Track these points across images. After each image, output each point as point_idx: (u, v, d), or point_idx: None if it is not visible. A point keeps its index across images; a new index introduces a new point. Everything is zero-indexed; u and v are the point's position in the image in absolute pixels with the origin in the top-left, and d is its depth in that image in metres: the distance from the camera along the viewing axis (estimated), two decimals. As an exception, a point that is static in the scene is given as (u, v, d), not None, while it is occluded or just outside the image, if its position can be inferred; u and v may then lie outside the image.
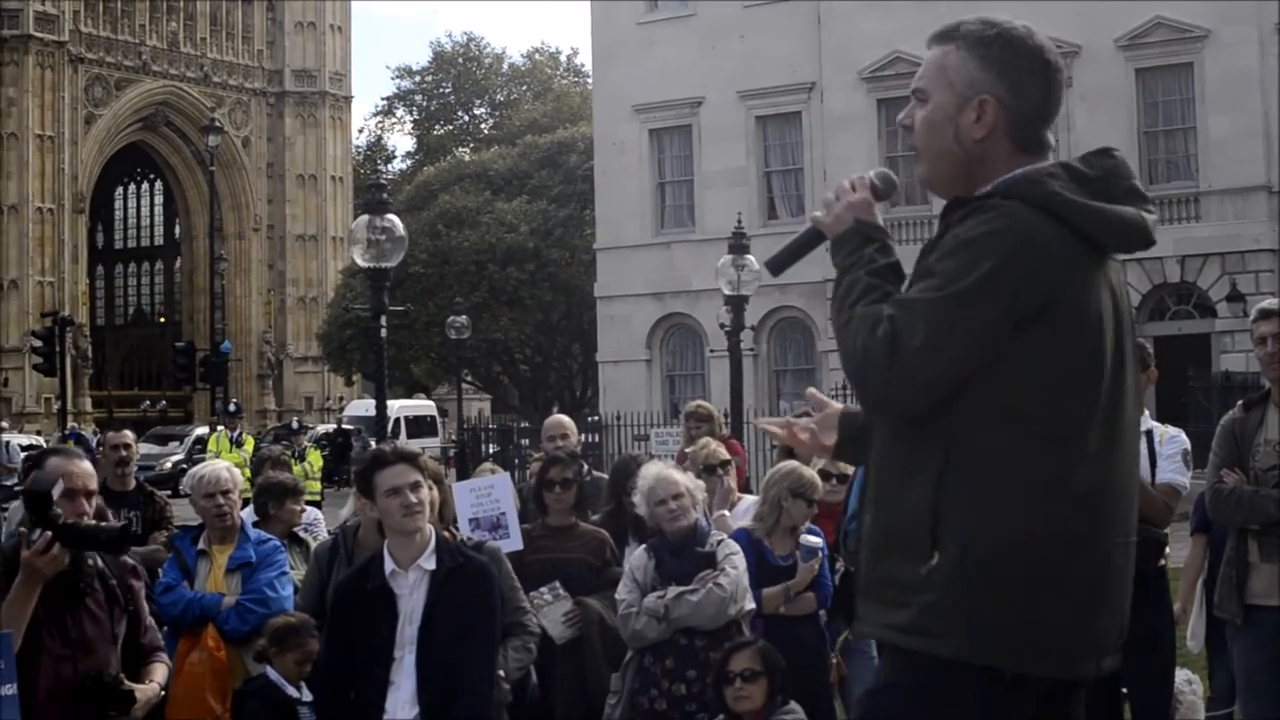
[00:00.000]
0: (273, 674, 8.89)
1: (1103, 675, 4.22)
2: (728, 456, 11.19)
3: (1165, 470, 8.95)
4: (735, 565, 9.03)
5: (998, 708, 4.05)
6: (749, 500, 11.32)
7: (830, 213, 4.36)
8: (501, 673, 8.24)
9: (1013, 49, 4.26)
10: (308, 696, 8.81)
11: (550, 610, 9.50)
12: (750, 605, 9.14)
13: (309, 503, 12.42)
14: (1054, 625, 4.06)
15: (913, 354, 3.97)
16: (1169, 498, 8.91)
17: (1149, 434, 9.01)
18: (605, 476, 11.71)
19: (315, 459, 29.70)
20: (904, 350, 3.97)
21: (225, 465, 10.30)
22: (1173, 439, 9.12)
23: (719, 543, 9.17)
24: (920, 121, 4.32)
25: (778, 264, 4.75)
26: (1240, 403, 8.72)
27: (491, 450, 48.22)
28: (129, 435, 13.28)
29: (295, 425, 41.84)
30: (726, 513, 10.65)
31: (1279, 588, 8.26)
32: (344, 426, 59.51)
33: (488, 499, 10.06)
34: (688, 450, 11.14)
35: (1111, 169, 4.25)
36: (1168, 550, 9.09)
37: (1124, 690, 9.03)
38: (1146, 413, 9.21)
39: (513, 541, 9.69)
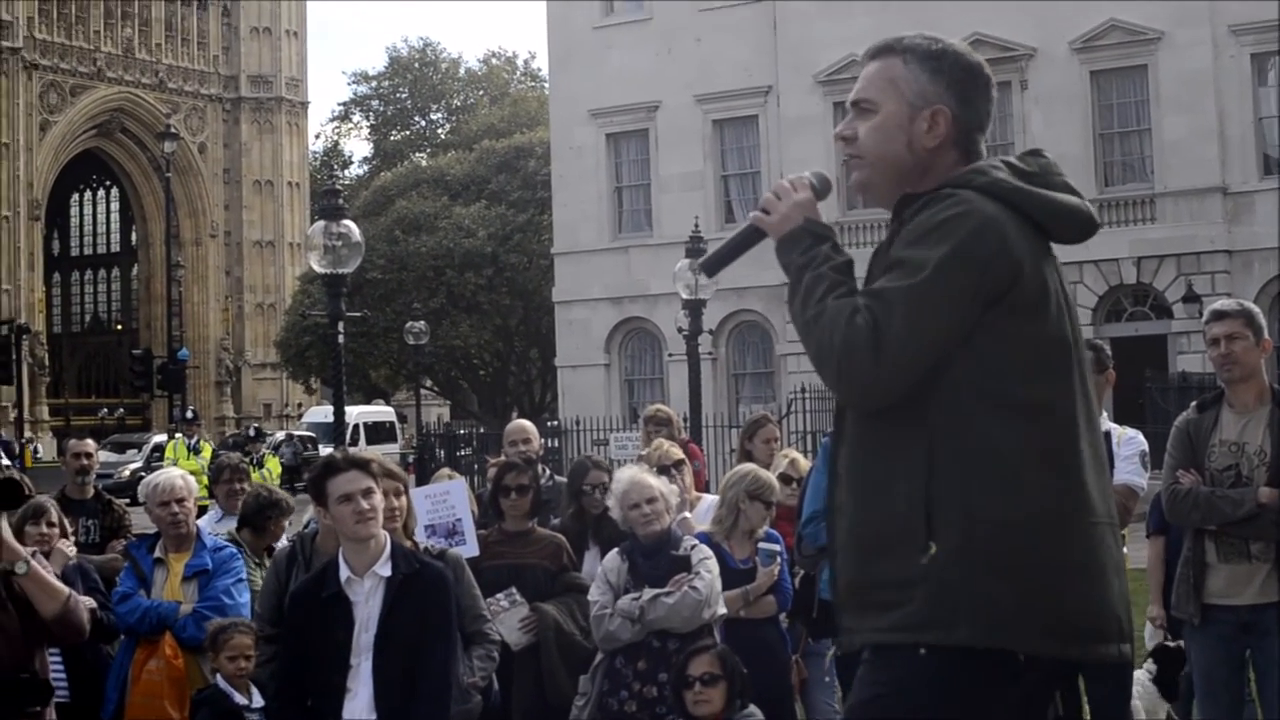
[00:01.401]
0: (222, 683, 8.92)
1: (1124, 660, 4.25)
2: (681, 456, 11.20)
3: (1123, 471, 9.00)
4: (709, 569, 9.04)
5: (1004, 690, 4.08)
6: (709, 500, 11.33)
7: (775, 212, 4.40)
8: (475, 680, 8.24)
9: (960, 64, 4.40)
10: (258, 702, 8.82)
11: (506, 616, 9.50)
12: (722, 610, 9.16)
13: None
14: (1066, 603, 4.10)
15: (895, 341, 4.02)
16: (1126, 499, 8.95)
17: (1107, 435, 9.03)
18: (565, 480, 11.70)
19: (274, 466, 29.63)
20: (886, 338, 4.02)
21: (180, 473, 10.27)
22: (1130, 440, 9.17)
23: (692, 547, 9.18)
24: (869, 130, 4.41)
25: (714, 263, 4.82)
26: (1194, 404, 8.77)
27: (455, 453, 48.17)
28: (91, 444, 13.22)
29: (253, 432, 41.74)
30: (689, 514, 10.66)
31: (1236, 587, 8.31)
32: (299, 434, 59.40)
33: (444, 505, 10.05)
34: (642, 454, 11.14)
35: (1045, 166, 4.41)
36: (1125, 551, 9.11)
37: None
38: (1105, 414, 9.26)
39: (469, 548, 9.68)
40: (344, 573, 7.33)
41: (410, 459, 50.68)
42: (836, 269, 4.23)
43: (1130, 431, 9.22)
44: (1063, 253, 4.41)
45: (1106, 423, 9.15)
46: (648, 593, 8.88)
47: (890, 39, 4.47)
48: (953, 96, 4.36)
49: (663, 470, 10.23)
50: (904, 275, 4.09)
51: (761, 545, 9.79)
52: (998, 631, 4.02)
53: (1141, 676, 10.37)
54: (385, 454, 10.25)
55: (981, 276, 4.07)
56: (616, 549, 9.32)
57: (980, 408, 4.08)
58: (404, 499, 8.41)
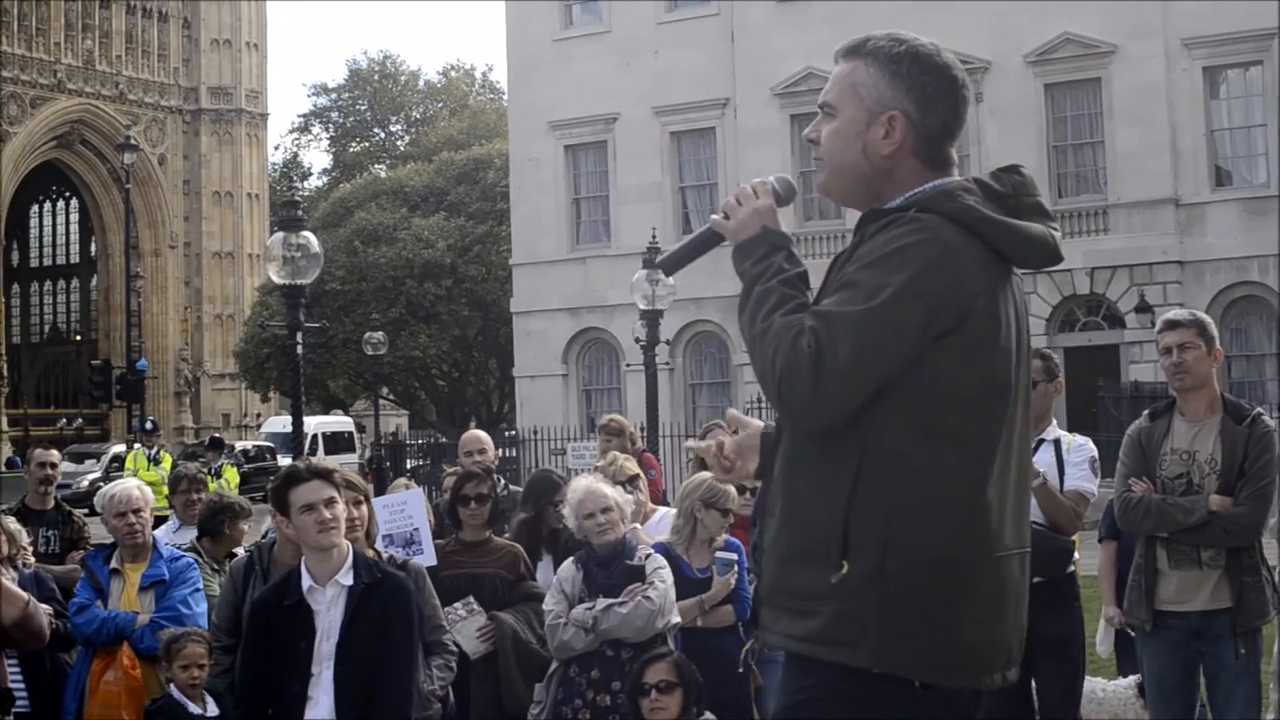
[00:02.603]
0: (176, 693, 8.93)
1: (1007, 685, 4.27)
2: (636, 471, 11.21)
3: (1073, 478, 9.04)
4: (663, 579, 9.06)
5: (913, 714, 4.08)
6: (663, 512, 11.36)
7: (734, 217, 4.37)
8: (434, 689, 8.27)
9: (921, 66, 4.31)
10: (213, 711, 8.85)
11: (464, 625, 9.53)
12: (676, 619, 9.19)
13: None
14: (963, 636, 4.10)
15: (839, 368, 3.97)
16: (1077, 504, 9.00)
17: (1057, 442, 9.14)
18: (521, 490, 11.73)
19: (232, 476, 29.55)
20: (830, 365, 3.97)
21: (136, 483, 10.28)
22: (1080, 447, 9.22)
23: (647, 556, 9.21)
24: (827, 135, 4.36)
25: (671, 263, 4.76)
26: (1146, 412, 8.87)
27: (402, 464, 48.12)
28: (55, 455, 13.20)
29: (209, 441, 41.60)
30: (639, 526, 10.68)
31: (1187, 594, 8.40)
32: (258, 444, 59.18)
33: (401, 515, 10.08)
34: (596, 466, 11.16)
35: (1019, 185, 4.32)
36: (1076, 556, 9.20)
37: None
38: (1055, 421, 9.36)
39: (426, 557, 9.70)
40: (306, 582, 7.36)
41: (369, 469, 50.59)
42: (787, 282, 4.19)
43: (1080, 439, 9.28)
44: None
45: (1056, 430, 9.25)
46: (601, 602, 8.91)
47: (859, 39, 4.40)
48: (912, 101, 4.27)
49: (618, 485, 10.25)
50: (854, 300, 4.04)
51: (719, 554, 9.81)
52: (896, 658, 4.04)
53: (1128, 688, 10.41)
54: (343, 464, 10.25)
55: (931, 312, 4.02)
56: (571, 558, 9.35)
57: (911, 438, 4.05)
58: (364, 508, 8.45)
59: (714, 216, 4.46)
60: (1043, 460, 8.96)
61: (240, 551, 10.58)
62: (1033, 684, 8.92)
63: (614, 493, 9.27)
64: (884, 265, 4.04)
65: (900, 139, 4.27)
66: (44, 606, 9.45)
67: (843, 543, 4.06)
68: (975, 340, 4.08)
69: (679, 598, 9.43)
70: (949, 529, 4.06)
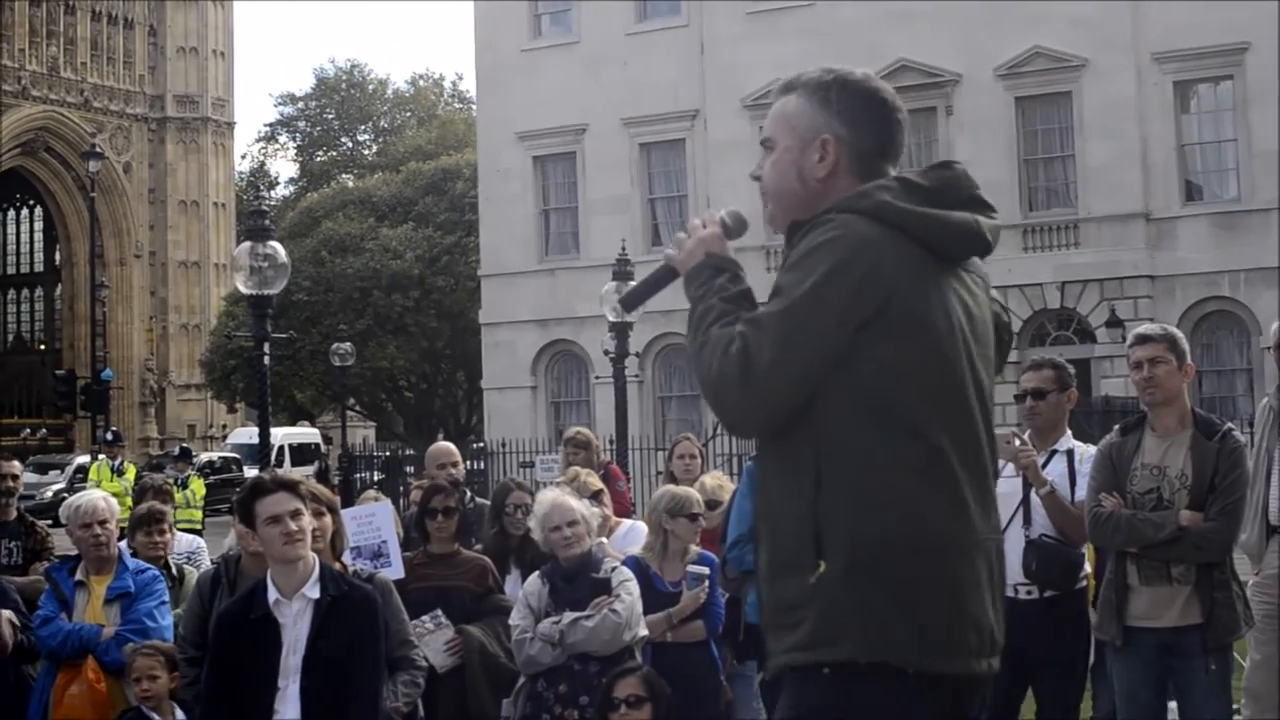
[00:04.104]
0: (143, 709, 8.88)
1: (992, 674, 4.29)
2: (599, 487, 11.18)
3: (1084, 487, 9.03)
4: (630, 592, 9.06)
5: (908, 706, 4.11)
6: (629, 525, 11.36)
7: (682, 250, 4.49)
8: (398, 705, 8.22)
9: (849, 90, 4.45)
10: (181, 721, 8.81)
11: (432, 639, 9.49)
12: (643, 632, 9.17)
13: (191, 531, 12.33)
14: (947, 620, 4.15)
15: (764, 369, 4.09)
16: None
17: (1070, 453, 9.15)
18: (489, 503, 11.69)
19: (198, 487, 29.48)
20: (755, 367, 4.09)
21: (102, 495, 10.21)
22: (1090, 457, 9.22)
23: (613, 569, 9.19)
24: (769, 166, 4.52)
25: (631, 301, 4.98)
26: (1117, 427, 8.87)
27: (352, 475, 48.01)
28: (16, 465, 13.10)
29: (178, 451, 41.49)
30: (605, 540, 10.66)
31: (1157, 610, 8.39)
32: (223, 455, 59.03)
33: (369, 527, 10.04)
34: (558, 481, 11.13)
35: (949, 179, 4.42)
36: (1087, 569, 9.17)
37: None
38: (1069, 432, 9.33)
39: (394, 570, 9.66)
40: (272, 594, 7.31)
41: (336, 481, 50.48)
42: (728, 299, 4.30)
43: (1092, 448, 9.27)
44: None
45: (1069, 441, 9.24)
46: (567, 616, 8.89)
47: (791, 77, 4.56)
48: (842, 124, 4.41)
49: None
50: (777, 302, 4.17)
51: (690, 568, 9.81)
52: (881, 647, 4.08)
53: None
54: (309, 476, 10.23)
55: (850, 301, 4.12)
56: (537, 572, 9.32)
57: (861, 428, 4.13)
58: (330, 520, 8.39)
59: (667, 251, 4.59)
60: (1054, 470, 8.98)
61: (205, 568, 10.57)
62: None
63: (580, 506, 9.26)
64: (801, 265, 4.19)
65: (834, 161, 4.43)
66: (4, 612, 9.40)
67: (815, 544, 4.13)
68: (902, 325, 4.16)
69: (651, 611, 9.43)
70: (913, 514, 4.13)
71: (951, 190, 4.39)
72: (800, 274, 4.16)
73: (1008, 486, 8.62)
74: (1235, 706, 9.10)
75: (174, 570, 10.54)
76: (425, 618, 9.53)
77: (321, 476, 49.68)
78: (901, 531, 4.10)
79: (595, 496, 10.74)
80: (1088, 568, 9.16)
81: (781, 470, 4.24)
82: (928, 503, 4.14)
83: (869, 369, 4.13)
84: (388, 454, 53.39)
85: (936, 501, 4.16)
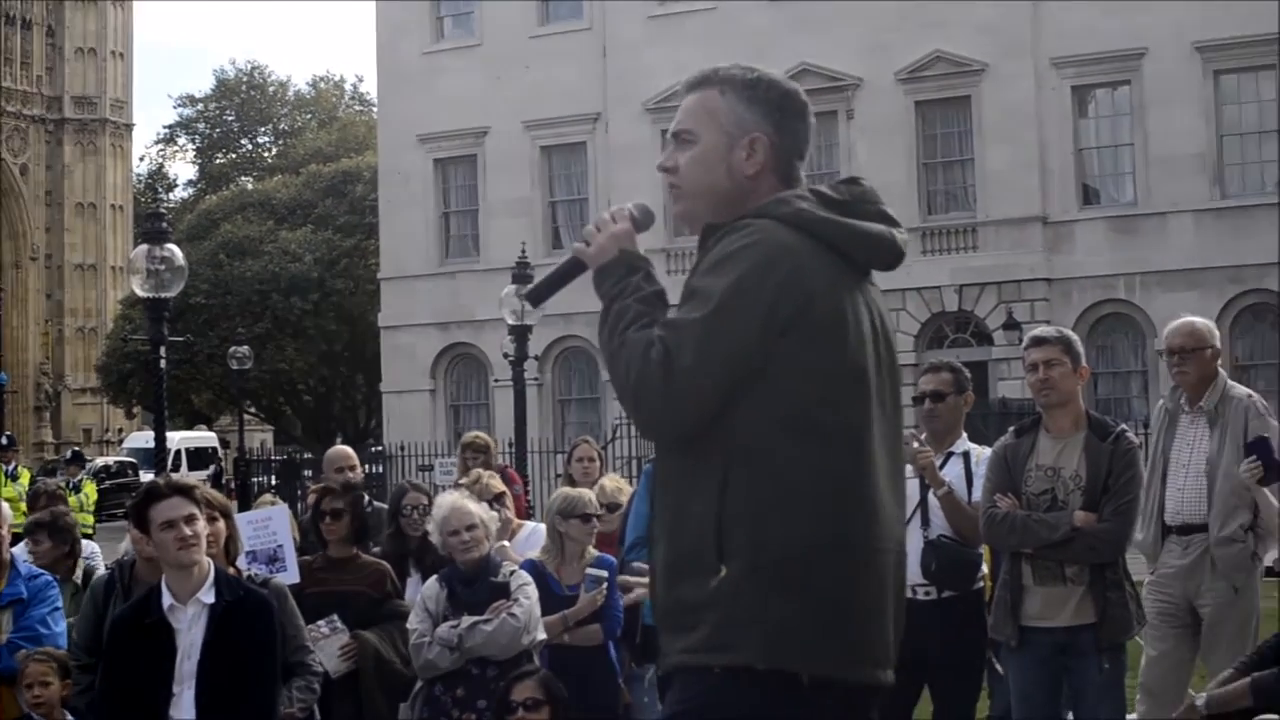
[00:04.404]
0: (35, 716, 8.78)
1: (888, 685, 4.30)
2: (502, 489, 11.17)
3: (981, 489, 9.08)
4: (528, 595, 9.05)
5: (799, 714, 4.11)
6: (531, 527, 11.36)
7: (594, 244, 4.44)
8: (293, 711, 8.16)
9: (776, 91, 4.46)
10: (71, 731, 8.73)
11: (326, 644, 9.44)
12: (542, 635, 9.17)
13: (83, 536, 12.19)
14: (847, 628, 4.16)
15: (685, 373, 4.07)
16: (984, 515, 9.03)
17: (966, 455, 9.18)
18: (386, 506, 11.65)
19: (90, 491, 29.22)
20: (676, 371, 4.07)
21: (-6, 500, 10.09)
22: (987, 459, 9.27)
23: (511, 573, 9.18)
24: (689, 161, 4.47)
25: (538, 295, 4.91)
26: (1012, 429, 8.94)
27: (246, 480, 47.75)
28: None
29: (70, 455, 41.13)
30: (507, 543, 10.65)
31: (1051, 610, 8.46)
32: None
33: (265, 531, 9.98)
34: (460, 483, 11.10)
35: (859, 194, 4.45)
36: (984, 570, 9.22)
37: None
38: (965, 434, 9.39)
39: (289, 574, 9.60)
40: (166, 600, 7.28)
41: (232, 486, 50.16)
42: (643, 300, 4.27)
43: (988, 450, 9.32)
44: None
45: (965, 443, 9.29)
46: (466, 620, 8.87)
47: (707, 70, 4.53)
48: (770, 124, 4.41)
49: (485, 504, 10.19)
50: (695, 306, 4.15)
51: (588, 571, 9.81)
52: (779, 653, 4.08)
53: None
54: (202, 479, 10.14)
55: (770, 306, 4.12)
56: (435, 576, 9.30)
57: (772, 434, 4.12)
58: (224, 525, 8.33)
59: (575, 244, 4.54)
60: (951, 472, 9.03)
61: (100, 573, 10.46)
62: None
63: (479, 510, 9.24)
64: (720, 269, 4.19)
65: (763, 159, 4.42)
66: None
67: (718, 547, 4.12)
68: (819, 331, 4.18)
69: (548, 614, 9.41)
70: (821, 521, 4.13)
71: (861, 204, 4.41)
72: (718, 278, 4.15)
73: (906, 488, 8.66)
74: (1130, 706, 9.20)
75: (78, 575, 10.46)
76: (321, 622, 9.47)
77: (216, 481, 49.36)
78: (806, 538, 4.10)
79: (498, 499, 10.75)
80: (985, 568, 9.22)
81: (686, 473, 4.22)
82: (837, 509, 4.15)
83: (785, 374, 4.13)
84: (284, 458, 53.13)
85: (846, 508, 4.16)
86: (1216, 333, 9.79)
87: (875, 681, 4.25)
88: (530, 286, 4.90)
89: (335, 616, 9.58)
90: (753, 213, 4.30)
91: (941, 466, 9.06)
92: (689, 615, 4.16)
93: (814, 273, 4.19)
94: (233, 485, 48.62)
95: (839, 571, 4.14)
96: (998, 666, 9.59)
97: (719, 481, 4.13)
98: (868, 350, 4.28)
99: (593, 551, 10.03)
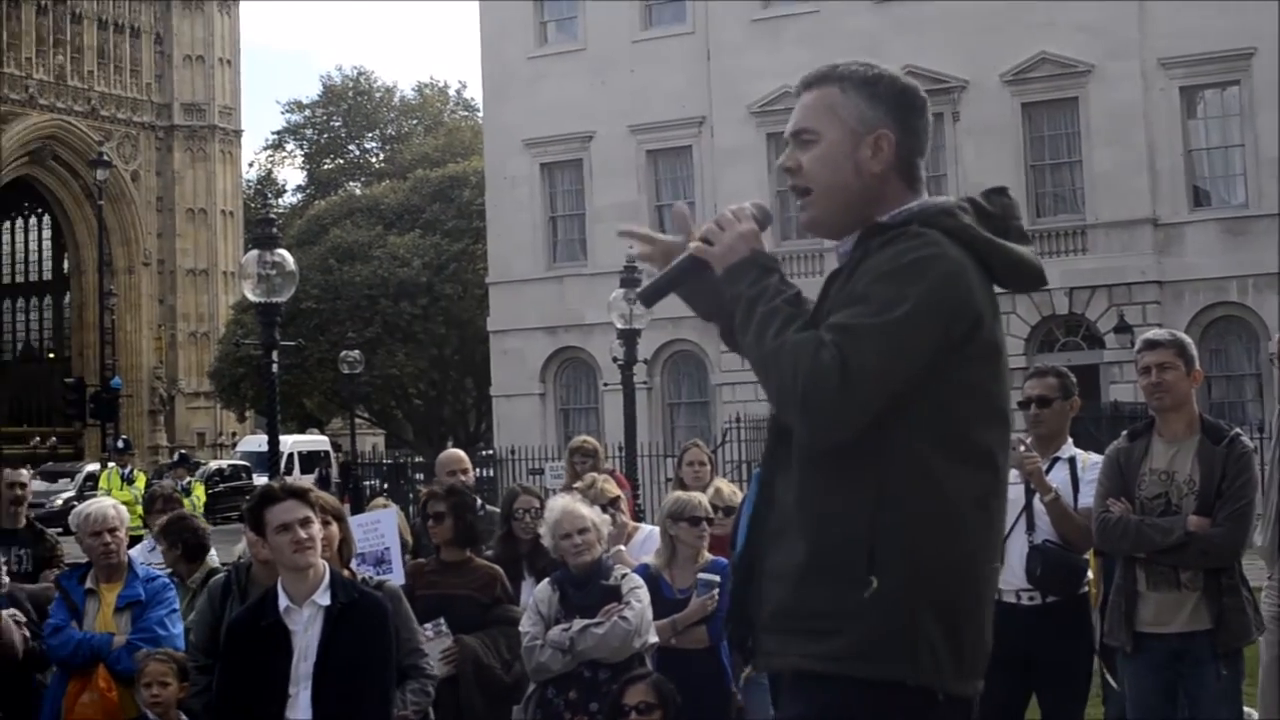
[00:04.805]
0: (151, 715, 8.87)
1: (978, 694, 4.30)
2: (617, 493, 11.19)
3: (1086, 495, 9.02)
4: (640, 599, 9.03)
5: None
6: (647, 530, 11.34)
7: (719, 243, 4.33)
8: (407, 713, 8.21)
9: (896, 88, 4.38)
10: (190, 731, 8.82)
11: (430, 646, 9.46)
12: (654, 639, 9.16)
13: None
14: (979, 646, 4.19)
15: (864, 379, 3.99)
16: (1090, 521, 8.99)
17: (1072, 460, 9.18)
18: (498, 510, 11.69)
19: (200, 493, 29.50)
20: (856, 375, 3.98)
21: (111, 503, 10.20)
22: (1095, 465, 9.20)
23: (623, 576, 9.19)
24: (813, 159, 4.38)
25: (652, 294, 4.72)
26: (1125, 433, 8.87)
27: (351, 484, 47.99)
28: (25, 474, 13.10)
29: (177, 458, 41.53)
30: (623, 548, 10.68)
31: (1166, 615, 8.38)
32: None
33: (374, 533, 10.06)
34: (575, 487, 11.12)
35: (1007, 208, 4.40)
36: (1090, 576, 9.19)
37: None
38: (1070, 440, 9.35)
39: (395, 576, 9.66)
40: (283, 601, 7.33)
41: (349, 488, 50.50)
42: (790, 301, 4.18)
43: (1095, 457, 9.25)
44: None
45: (1071, 448, 9.28)
46: (578, 623, 8.87)
47: (825, 68, 4.44)
48: (893, 121, 4.34)
49: (600, 508, 10.21)
50: (873, 312, 4.05)
51: (701, 575, 9.80)
52: (928, 670, 4.06)
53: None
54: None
55: (947, 323, 4.06)
56: (548, 579, 9.32)
57: (932, 450, 4.09)
58: (337, 528, 8.39)
59: (693, 244, 4.44)
60: (1057, 478, 9.01)
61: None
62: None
63: (591, 513, 9.24)
64: (898, 278, 4.08)
65: (889, 158, 4.33)
66: (11, 612, 9.41)
67: (869, 559, 4.07)
68: (985, 351, 4.17)
69: (659, 619, 9.41)
70: (967, 539, 4.13)
71: (1009, 219, 4.38)
72: (897, 287, 4.06)
73: (1011, 493, 8.61)
74: (1249, 710, 9.11)
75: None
76: (427, 625, 9.52)
77: (322, 484, 49.65)
78: (957, 558, 4.11)
79: (613, 503, 10.76)
80: (1090, 574, 9.18)
81: (834, 479, 4.14)
82: (980, 530, 4.16)
83: (950, 392, 4.10)
84: (390, 462, 53.40)
85: (985, 531, 4.19)
86: (1326, 335, 9.70)
87: (977, 693, 4.26)
88: (643, 286, 4.79)
89: (441, 620, 9.61)
90: (920, 219, 4.24)
91: (1047, 471, 9.04)
92: (824, 621, 4.11)
93: (981, 294, 4.17)
94: (333, 485, 48.89)
95: (977, 591, 4.18)
96: (1111, 681, 9.55)
97: (874, 492, 4.09)
98: (1007, 370, 4.28)
99: (707, 555, 10.02)
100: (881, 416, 4.06)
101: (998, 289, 4.33)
